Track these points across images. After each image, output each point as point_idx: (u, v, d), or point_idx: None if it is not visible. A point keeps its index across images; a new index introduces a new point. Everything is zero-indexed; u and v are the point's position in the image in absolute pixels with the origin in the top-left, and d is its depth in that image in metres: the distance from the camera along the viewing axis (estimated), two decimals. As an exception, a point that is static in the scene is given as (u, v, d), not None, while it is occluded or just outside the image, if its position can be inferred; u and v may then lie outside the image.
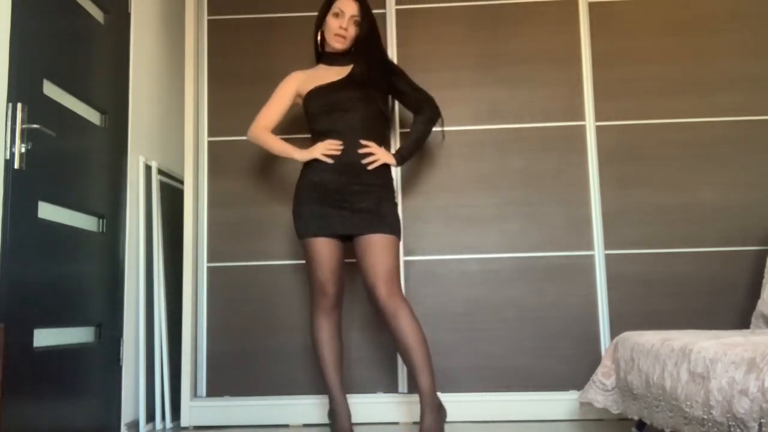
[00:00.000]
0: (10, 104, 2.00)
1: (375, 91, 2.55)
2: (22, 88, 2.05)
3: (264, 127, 2.62)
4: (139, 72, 2.87)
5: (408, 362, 2.37)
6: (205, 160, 3.06)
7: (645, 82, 3.00)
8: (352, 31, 2.56)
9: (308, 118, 2.59)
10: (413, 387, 2.88)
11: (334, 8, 2.56)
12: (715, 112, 2.97)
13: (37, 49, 2.16)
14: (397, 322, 2.34)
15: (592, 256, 2.93)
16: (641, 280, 2.91)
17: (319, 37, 2.63)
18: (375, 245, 2.40)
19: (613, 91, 3.00)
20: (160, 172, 3.03)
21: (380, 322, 2.49)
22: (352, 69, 2.59)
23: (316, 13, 3.12)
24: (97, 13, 2.59)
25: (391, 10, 3.08)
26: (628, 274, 2.91)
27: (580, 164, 2.98)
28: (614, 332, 2.82)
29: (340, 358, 2.50)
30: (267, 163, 3.05)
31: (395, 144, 2.99)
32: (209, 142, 3.08)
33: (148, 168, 2.92)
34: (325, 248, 2.45)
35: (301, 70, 2.66)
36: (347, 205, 2.44)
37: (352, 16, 2.55)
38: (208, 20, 3.14)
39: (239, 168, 3.05)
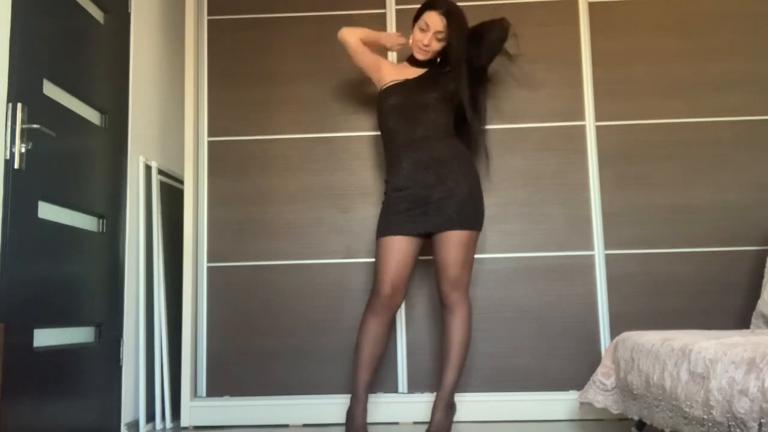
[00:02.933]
0: (10, 104, 2.00)
1: (451, 97, 2.58)
2: (22, 88, 2.05)
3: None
4: (139, 72, 2.87)
5: (444, 355, 2.51)
6: (205, 160, 3.06)
7: (645, 82, 3.01)
8: (434, 46, 2.60)
9: (380, 113, 2.62)
10: (416, 387, 2.89)
11: (421, 21, 2.58)
12: (715, 112, 2.98)
13: (37, 49, 2.16)
14: (452, 317, 2.49)
15: (592, 256, 2.93)
16: (641, 280, 2.91)
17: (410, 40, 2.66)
18: (448, 242, 2.48)
19: (613, 91, 3.00)
20: (160, 172, 3.03)
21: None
22: (429, 70, 2.64)
23: (316, 13, 3.14)
24: (97, 13, 2.59)
25: (391, 10, 3.08)
26: (628, 274, 2.91)
27: (580, 164, 2.98)
28: (614, 332, 2.82)
29: (377, 359, 2.48)
30: (267, 163, 3.05)
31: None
32: (209, 142, 3.08)
33: (148, 168, 2.92)
34: (390, 249, 2.45)
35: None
36: (427, 203, 2.48)
37: (436, 32, 2.56)
38: (208, 20, 3.14)
39: (239, 168, 3.05)
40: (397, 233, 2.46)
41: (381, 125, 2.64)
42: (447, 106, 2.58)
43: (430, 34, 2.56)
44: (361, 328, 2.47)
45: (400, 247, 2.45)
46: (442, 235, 2.48)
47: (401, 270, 2.45)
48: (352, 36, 2.62)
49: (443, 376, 2.49)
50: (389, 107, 2.58)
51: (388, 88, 2.61)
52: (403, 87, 2.59)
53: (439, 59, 2.68)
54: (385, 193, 2.56)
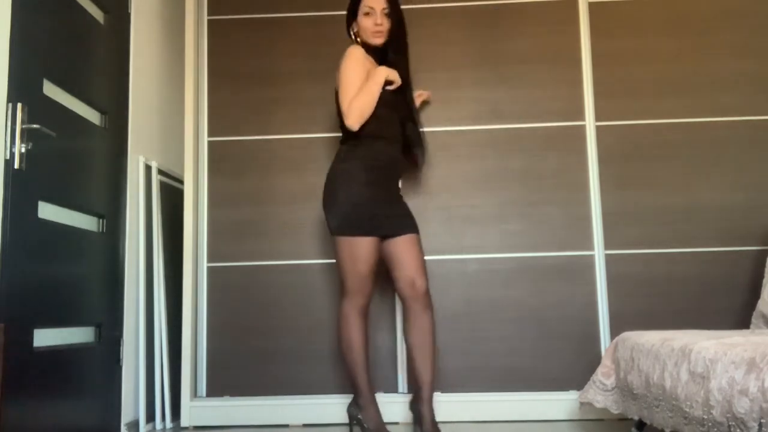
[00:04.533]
0: (10, 104, 2.00)
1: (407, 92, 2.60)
2: (22, 88, 2.05)
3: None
4: (139, 72, 2.87)
5: (421, 356, 2.45)
6: (205, 160, 3.06)
7: (645, 82, 3.01)
8: (386, 24, 2.55)
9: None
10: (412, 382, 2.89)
11: (364, 7, 2.54)
12: (715, 112, 2.98)
13: (37, 49, 2.16)
14: (423, 316, 2.45)
15: (592, 256, 2.93)
16: (641, 280, 2.91)
17: (352, 33, 2.60)
18: (413, 243, 2.49)
19: (613, 91, 3.00)
20: (160, 172, 3.03)
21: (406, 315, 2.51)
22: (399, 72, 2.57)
23: (316, 13, 3.14)
24: (97, 13, 2.59)
25: (391, 10, 3.08)
26: (628, 274, 2.91)
27: (580, 164, 2.98)
28: (614, 332, 2.82)
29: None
30: (267, 163, 3.05)
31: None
32: (209, 142, 3.08)
33: (148, 168, 2.92)
34: (369, 248, 2.42)
35: (359, 49, 2.52)
36: (392, 206, 2.50)
37: (383, 9, 2.53)
38: (208, 20, 3.14)
39: (239, 168, 3.05)
40: (372, 234, 2.41)
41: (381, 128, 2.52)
42: (403, 108, 2.59)
43: (378, 14, 2.53)
44: (351, 328, 2.42)
45: (376, 247, 2.44)
46: (405, 237, 2.48)
47: (376, 270, 2.46)
48: (367, 112, 2.45)
49: (424, 375, 2.43)
50: (383, 98, 2.49)
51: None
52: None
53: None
54: (352, 187, 2.43)
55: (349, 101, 2.42)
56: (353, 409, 2.47)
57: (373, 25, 2.53)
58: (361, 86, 2.44)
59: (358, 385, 2.44)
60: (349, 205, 2.42)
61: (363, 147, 2.47)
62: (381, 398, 2.83)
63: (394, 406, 2.83)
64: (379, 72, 2.47)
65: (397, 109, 2.55)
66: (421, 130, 2.66)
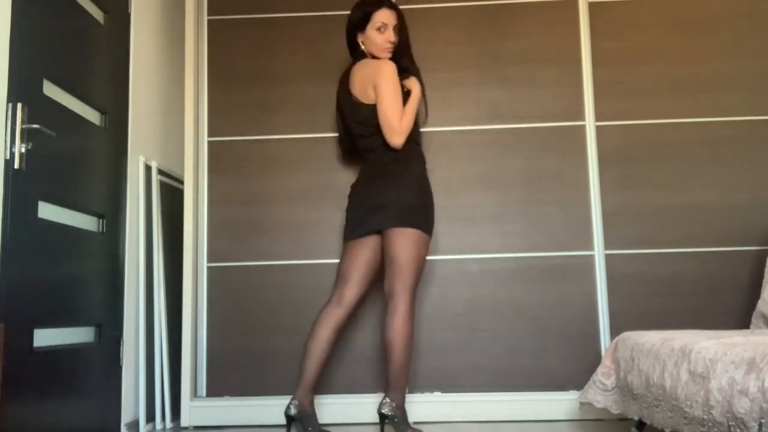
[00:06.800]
0: (10, 104, 2.00)
1: None
2: (22, 88, 2.05)
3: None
4: (139, 72, 2.87)
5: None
6: (205, 160, 3.06)
7: (645, 82, 3.01)
8: (396, 39, 2.62)
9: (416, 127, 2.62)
10: (416, 387, 2.89)
11: (376, 22, 2.58)
12: (715, 112, 2.98)
13: (37, 49, 2.16)
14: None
15: (592, 256, 2.93)
16: (641, 280, 2.91)
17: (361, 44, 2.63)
18: None
19: (613, 91, 3.00)
20: (160, 172, 3.03)
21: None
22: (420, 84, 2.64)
23: (316, 14, 3.13)
24: (97, 13, 2.59)
25: (391, 10, 3.08)
26: (628, 274, 2.91)
27: (580, 164, 2.98)
28: (614, 332, 2.82)
29: None
30: (267, 163, 3.05)
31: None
32: (209, 142, 3.08)
33: (148, 168, 2.92)
34: None
35: (393, 65, 2.55)
36: None
37: (395, 26, 2.60)
38: (208, 20, 3.14)
39: (239, 168, 3.05)
40: None
41: (417, 136, 2.63)
42: None
43: (390, 30, 2.58)
44: (413, 326, 2.44)
45: None
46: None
47: None
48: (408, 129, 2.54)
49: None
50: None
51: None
52: None
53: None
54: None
55: (399, 120, 2.49)
56: (388, 408, 2.43)
57: (386, 41, 2.58)
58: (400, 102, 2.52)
59: (407, 382, 2.48)
60: (433, 208, 2.59)
61: (419, 152, 2.62)
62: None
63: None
64: (417, 91, 2.58)
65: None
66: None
